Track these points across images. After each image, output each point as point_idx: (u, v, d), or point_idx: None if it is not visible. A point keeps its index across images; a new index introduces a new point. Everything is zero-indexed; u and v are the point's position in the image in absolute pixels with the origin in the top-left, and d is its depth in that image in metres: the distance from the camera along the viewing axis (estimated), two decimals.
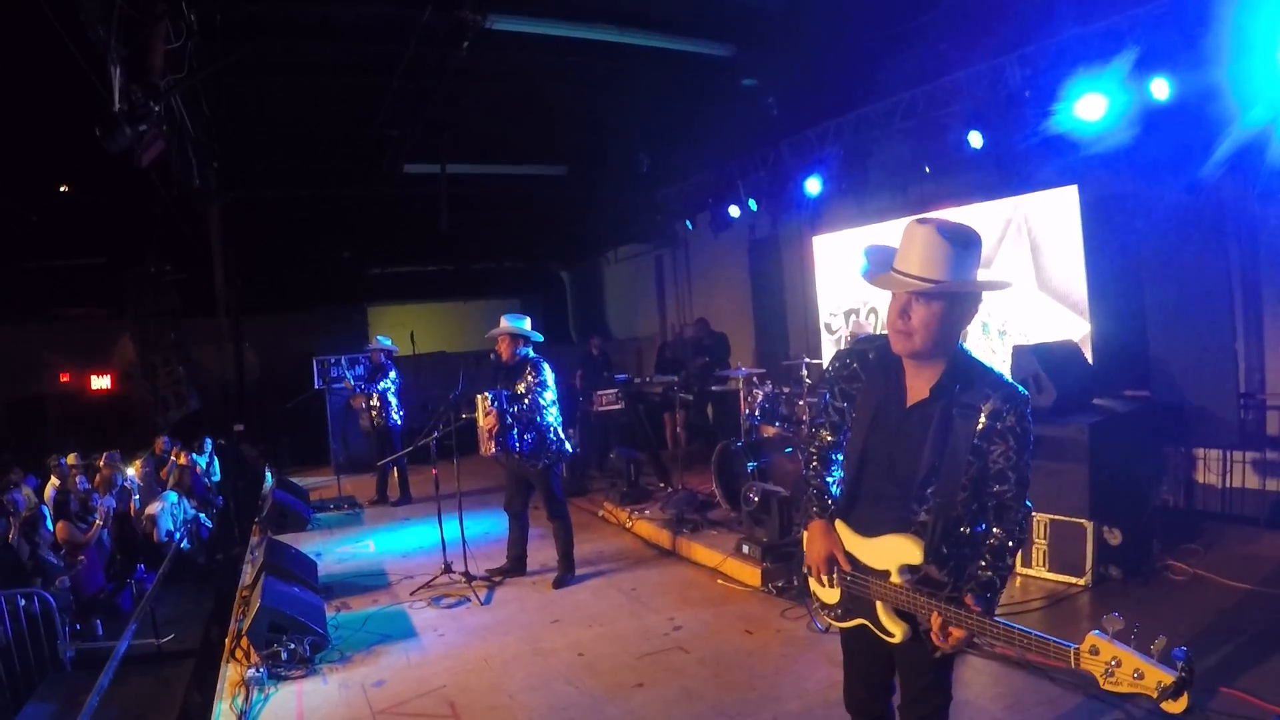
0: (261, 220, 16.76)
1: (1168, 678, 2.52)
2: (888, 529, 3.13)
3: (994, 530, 3.02)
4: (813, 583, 3.51)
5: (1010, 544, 3.01)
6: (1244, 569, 6.96)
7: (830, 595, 3.41)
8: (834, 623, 3.46)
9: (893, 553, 3.09)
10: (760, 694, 5.57)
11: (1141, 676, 2.56)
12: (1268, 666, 5.28)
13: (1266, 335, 8.49)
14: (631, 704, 5.56)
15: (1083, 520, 6.93)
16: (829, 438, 3.47)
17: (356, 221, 18.04)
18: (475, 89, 11.63)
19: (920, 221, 3.00)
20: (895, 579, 3.07)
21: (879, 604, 3.16)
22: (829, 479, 3.47)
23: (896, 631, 3.13)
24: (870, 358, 3.29)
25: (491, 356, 8.17)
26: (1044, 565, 7.19)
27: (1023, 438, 2.96)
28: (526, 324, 8.05)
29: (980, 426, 2.95)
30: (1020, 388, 3.03)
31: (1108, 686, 2.62)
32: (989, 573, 2.97)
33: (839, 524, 3.33)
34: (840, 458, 3.45)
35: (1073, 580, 6.98)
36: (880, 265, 3.16)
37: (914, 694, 3.32)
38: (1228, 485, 8.64)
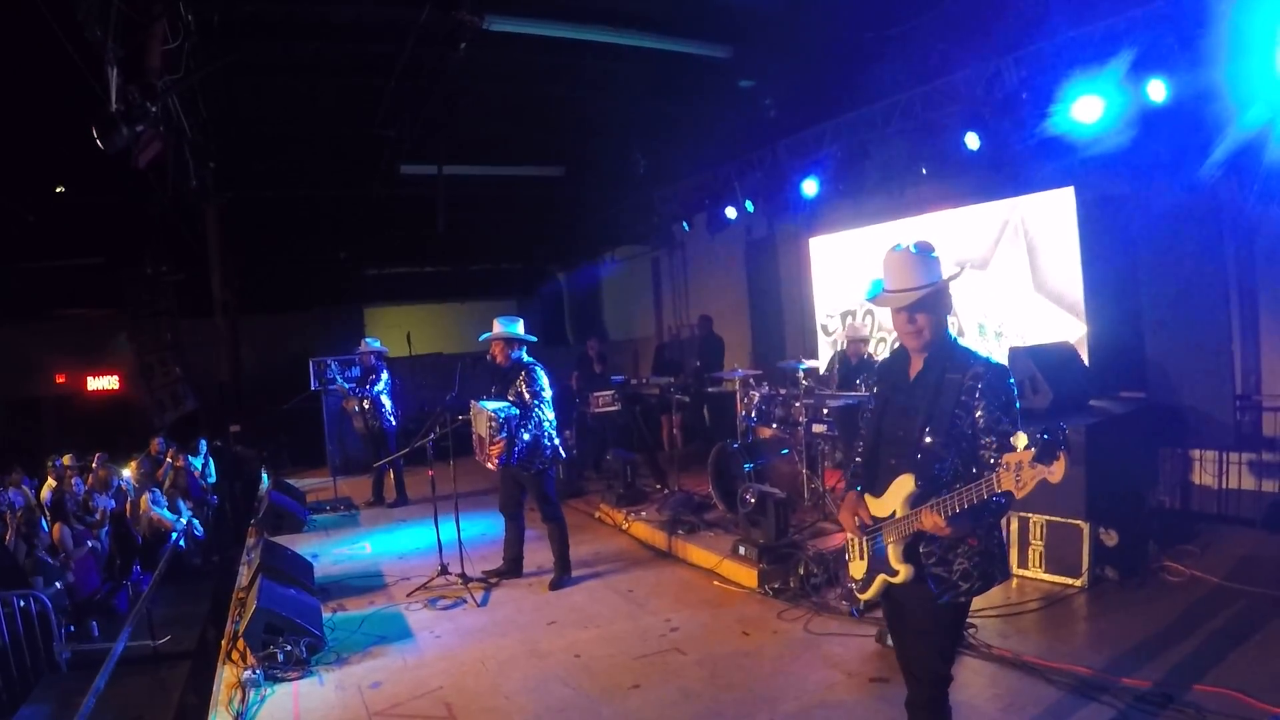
0: (258, 221, 16.77)
1: (1031, 451, 3.05)
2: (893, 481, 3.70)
3: (983, 474, 3.36)
4: (850, 567, 4.06)
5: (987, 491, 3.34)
6: (1240, 570, 6.99)
7: (859, 568, 3.94)
8: (861, 595, 3.97)
9: (897, 493, 3.65)
10: (757, 695, 5.56)
11: (1033, 465, 3.05)
12: (1263, 667, 5.30)
13: (1263, 337, 8.50)
14: (628, 705, 5.56)
15: (1079, 522, 6.95)
16: (863, 444, 4.07)
17: (353, 222, 18.04)
18: (472, 90, 11.62)
19: (892, 250, 3.74)
20: (899, 512, 3.62)
21: (890, 547, 3.68)
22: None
23: (901, 570, 3.64)
24: (889, 361, 4.04)
25: (487, 359, 8.17)
26: (1040, 567, 7.20)
27: (1000, 398, 3.51)
28: (520, 327, 8.04)
29: (966, 385, 3.53)
30: (1001, 362, 3.67)
31: (1021, 492, 3.14)
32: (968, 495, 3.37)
33: (866, 497, 3.86)
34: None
35: (1069, 581, 7.00)
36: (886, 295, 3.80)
37: (915, 653, 3.82)
38: (1224, 487, 8.65)
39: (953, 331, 3.79)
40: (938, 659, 3.71)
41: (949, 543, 3.55)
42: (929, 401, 3.61)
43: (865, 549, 3.87)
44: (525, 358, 8.03)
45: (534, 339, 8.16)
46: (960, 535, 3.48)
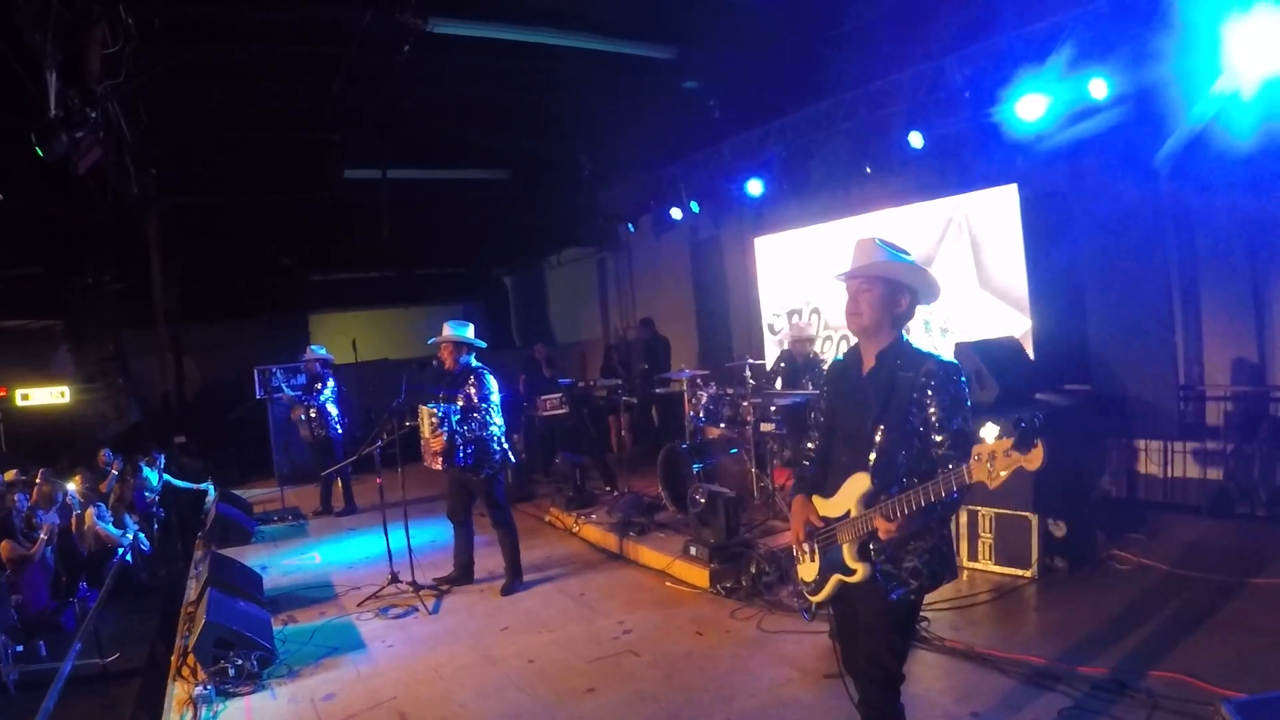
0: (201, 228, 16.53)
1: (1009, 440, 3.01)
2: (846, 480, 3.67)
3: (936, 473, 3.35)
4: (799, 569, 4.02)
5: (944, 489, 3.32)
6: (1187, 557, 7.13)
7: (809, 571, 3.90)
8: (813, 598, 3.92)
9: (851, 493, 3.63)
10: (712, 695, 5.56)
11: (1009, 454, 3.01)
12: (1212, 651, 5.39)
13: (1204, 328, 8.67)
14: (583, 709, 5.54)
15: (1027, 514, 7.01)
16: (814, 444, 4.05)
17: (297, 228, 17.85)
18: (417, 93, 11.56)
19: (864, 237, 3.77)
20: (854, 513, 3.59)
21: (845, 546, 3.63)
22: (815, 472, 4.00)
23: (858, 569, 3.60)
24: (842, 361, 4.00)
25: (434, 363, 8.11)
26: (990, 559, 7.26)
27: (953, 396, 3.51)
28: (469, 331, 7.99)
29: (919, 383, 3.52)
30: (952, 360, 3.64)
31: (995, 482, 3.09)
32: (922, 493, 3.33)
33: (815, 498, 3.84)
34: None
35: (1019, 573, 7.06)
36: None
37: (868, 652, 3.73)
38: (1169, 475, 8.79)
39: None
40: (891, 656, 3.67)
41: (899, 540, 3.49)
42: (882, 398, 3.59)
43: (815, 551, 3.84)
44: (473, 362, 7.97)
45: (483, 344, 8.11)
46: (910, 534, 3.45)
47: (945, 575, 3.66)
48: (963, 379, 3.57)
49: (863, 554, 3.60)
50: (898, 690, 3.71)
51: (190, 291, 17.81)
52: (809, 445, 4.07)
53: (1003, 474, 3.05)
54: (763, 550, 7.54)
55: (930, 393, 3.50)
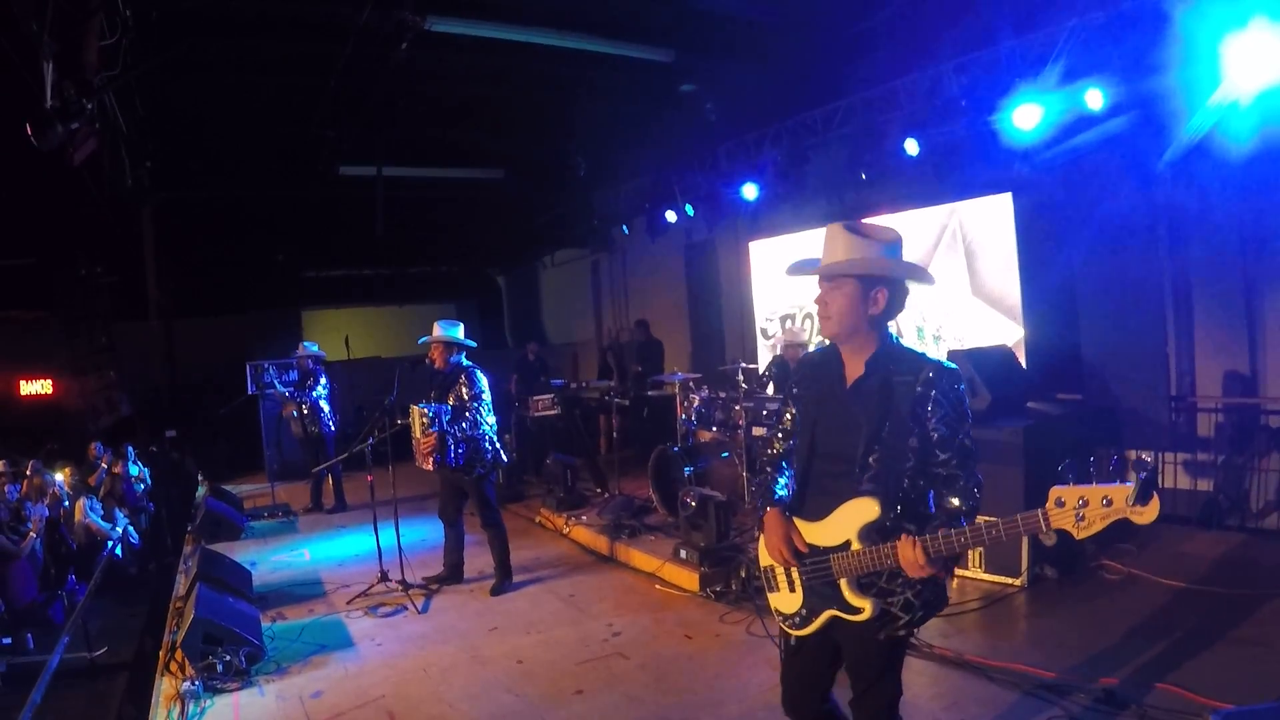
0: (194, 222, 16.49)
1: (1129, 488, 2.68)
2: (839, 504, 3.25)
3: (948, 497, 3.18)
4: (772, 598, 3.59)
5: (964, 507, 3.16)
6: (1177, 567, 7.14)
7: (790, 603, 3.48)
8: (794, 632, 3.51)
9: (850, 520, 3.21)
10: (701, 698, 5.56)
11: (1110, 502, 2.70)
12: (1201, 662, 5.42)
13: (1197, 339, 8.69)
14: (571, 711, 5.53)
15: None
16: (781, 446, 3.67)
17: (291, 224, 17.83)
18: (413, 91, 11.53)
19: (834, 224, 3.36)
20: (856, 545, 3.19)
21: (843, 581, 3.24)
22: (780, 479, 3.63)
23: (865, 607, 3.20)
24: (815, 359, 3.59)
25: (426, 362, 8.11)
26: (980, 567, 7.28)
27: (958, 406, 3.18)
28: (460, 331, 7.98)
29: (918, 393, 3.15)
30: (952, 365, 3.25)
31: (1083, 533, 2.76)
32: (949, 526, 3.07)
33: (798, 521, 3.42)
34: (788, 465, 3.64)
35: (1009, 581, 7.08)
36: (806, 265, 3.44)
37: (864, 685, 3.37)
38: (1159, 486, 8.78)
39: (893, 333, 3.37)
40: (890, 685, 3.37)
41: (894, 573, 3.18)
42: (878, 414, 3.19)
43: (797, 579, 3.43)
44: (464, 361, 7.97)
45: (474, 344, 8.10)
46: (932, 572, 3.07)
47: (939, 606, 3.37)
48: (963, 387, 3.23)
49: (865, 589, 3.23)
50: (898, 708, 3.42)
51: (183, 285, 17.77)
52: (772, 450, 3.68)
53: (1100, 524, 2.74)
54: (753, 554, 7.54)
55: (930, 405, 3.14)
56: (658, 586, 7.94)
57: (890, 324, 3.35)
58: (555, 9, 9.69)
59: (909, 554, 3.01)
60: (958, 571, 7.35)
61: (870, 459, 3.18)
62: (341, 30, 9.29)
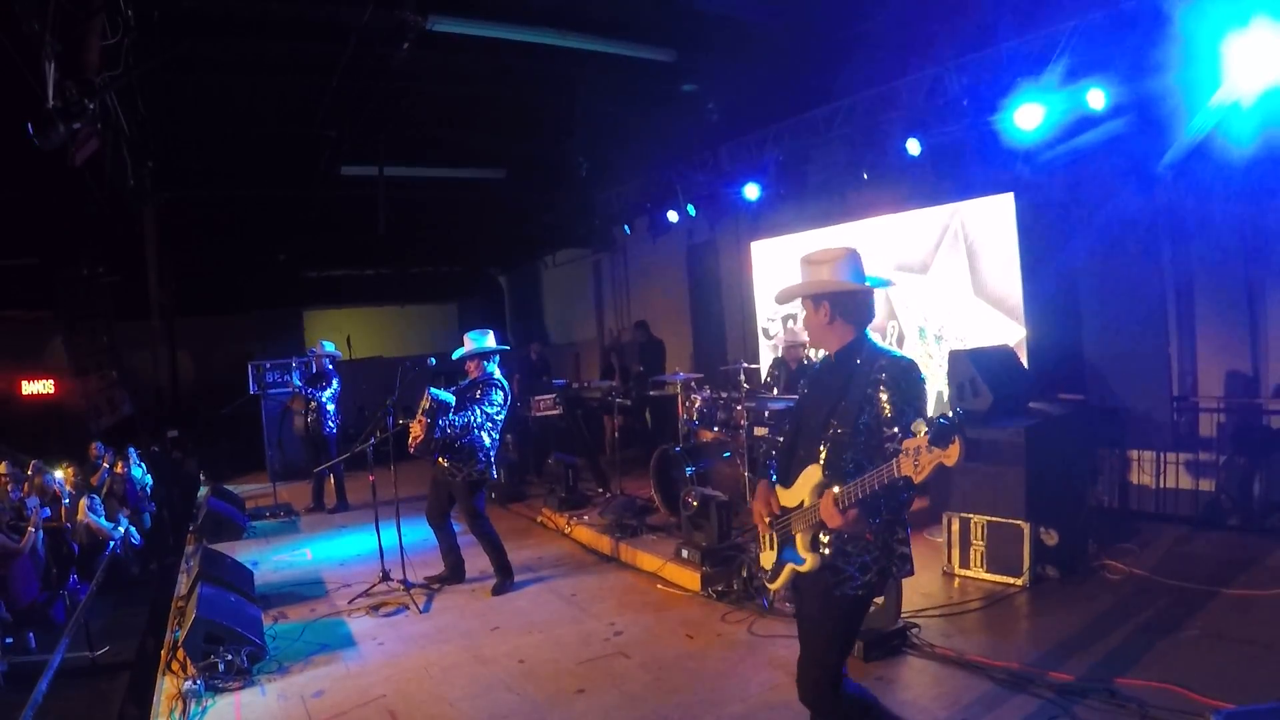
0: (196, 222, 16.47)
1: (925, 436, 3.09)
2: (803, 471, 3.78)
3: (877, 464, 3.44)
4: (761, 555, 4.10)
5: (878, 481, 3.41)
6: (1178, 567, 7.13)
7: (769, 558, 4.01)
8: (769, 585, 4.02)
9: (806, 483, 3.72)
10: (702, 698, 5.56)
11: (930, 449, 3.08)
12: (1203, 662, 5.40)
13: (1199, 340, 8.69)
14: (573, 710, 5.54)
15: (1019, 521, 7.03)
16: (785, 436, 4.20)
17: (293, 224, 17.79)
18: (414, 91, 11.54)
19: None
20: (807, 502, 3.68)
21: (798, 536, 3.75)
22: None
23: (808, 559, 3.70)
24: (819, 363, 4.16)
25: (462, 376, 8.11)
26: (982, 566, 7.27)
27: (904, 392, 3.58)
28: (490, 339, 8.00)
29: (871, 379, 3.64)
30: (908, 357, 3.77)
31: (919, 476, 3.16)
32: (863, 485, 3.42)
33: (778, 487, 3.94)
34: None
35: (1010, 580, 7.08)
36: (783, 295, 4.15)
37: (807, 642, 3.84)
38: (1161, 486, 8.81)
39: (889, 335, 3.83)
40: (828, 648, 3.74)
41: (846, 534, 3.59)
42: (837, 393, 3.72)
43: (774, 539, 3.94)
44: (496, 375, 7.99)
45: (504, 348, 8.13)
46: (855, 527, 3.49)
47: (894, 571, 3.74)
48: (919, 377, 3.68)
49: (814, 545, 3.69)
50: (836, 685, 3.74)
51: (185, 285, 17.76)
52: (781, 437, 4.17)
53: (927, 468, 3.11)
54: (754, 554, 7.53)
55: (882, 388, 3.60)
56: (659, 586, 7.94)
57: (867, 327, 3.93)
58: (557, 9, 9.69)
59: (826, 504, 3.47)
60: (959, 571, 7.36)
61: (831, 430, 3.69)
62: (343, 30, 9.30)
